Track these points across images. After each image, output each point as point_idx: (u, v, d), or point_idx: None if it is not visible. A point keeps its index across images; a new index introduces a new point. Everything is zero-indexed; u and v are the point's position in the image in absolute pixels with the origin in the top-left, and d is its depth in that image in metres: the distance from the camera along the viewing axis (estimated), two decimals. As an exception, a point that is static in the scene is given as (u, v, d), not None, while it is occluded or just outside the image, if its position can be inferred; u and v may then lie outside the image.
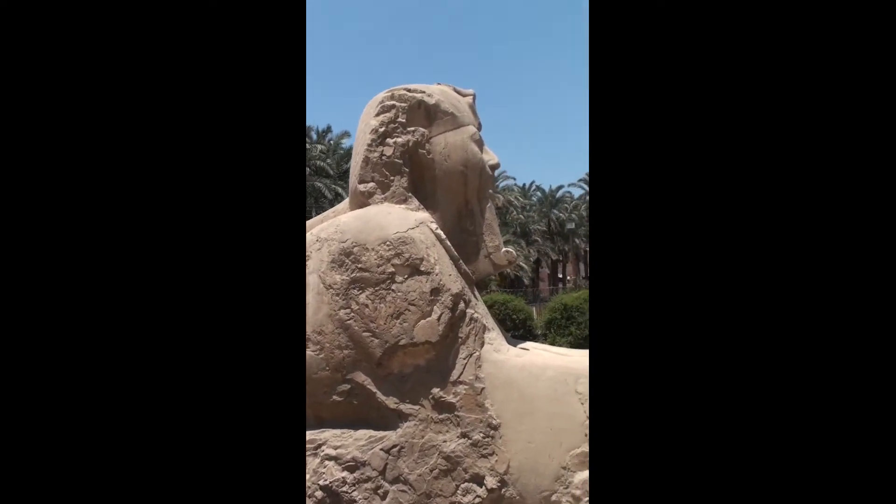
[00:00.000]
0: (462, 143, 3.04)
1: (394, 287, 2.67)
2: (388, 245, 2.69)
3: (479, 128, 3.28)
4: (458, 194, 3.06)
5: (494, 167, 3.17)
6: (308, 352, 2.71)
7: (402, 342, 2.65)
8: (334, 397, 2.73)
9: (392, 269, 2.68)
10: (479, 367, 2.69)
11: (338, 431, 2.71)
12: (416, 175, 3.00)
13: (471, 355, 2.69)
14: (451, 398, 2.65)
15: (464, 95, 3.25)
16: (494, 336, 2.78)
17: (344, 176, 20.67)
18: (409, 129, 2.96)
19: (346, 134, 22.21)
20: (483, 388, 2.66)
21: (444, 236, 2.80)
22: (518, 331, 11.81)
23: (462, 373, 2.67)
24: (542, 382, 2.63)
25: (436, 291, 2.67)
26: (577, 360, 2.74)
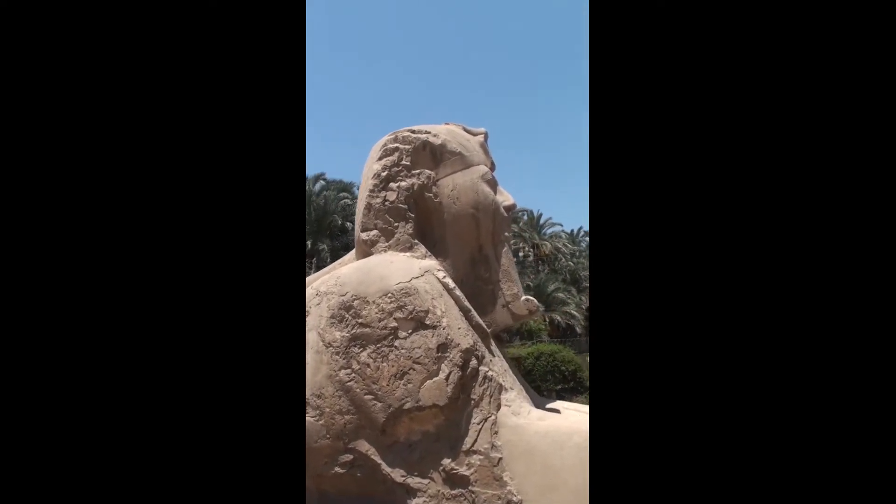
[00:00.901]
0: (472, 184, 2.81)
1: (396, 343, 2.41)
2: (389, 297, 2.45)
3: (493, 167, 3.05)
4: (470, 239, 2.81)
5: (510, 208, 2.92)
6: (307, 417, 2.45)
7: (407, 406, 2.35)
8: (336, 468, 2.45)
9: (395, 324, 2.42)
10: (496, 433, 2.35)
11: (340, 509, 2.41)
12: (423, 220, 2.78)
13: (486, 420, 2.37)
14: (464, 470, 2.31)
15: (474, 134, 3.05)
16: (513, 396, 2.45)
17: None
18: (413, 171, 2.76)
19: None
20: (500, 459, 2.32)
21: (452, 285, 2.54)
22: (568, 383, 11.21)
23: (476, 440, 2.34)
24: (568, 451, 2.27)
25: (443, 347, 2.38)
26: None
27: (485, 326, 2.59)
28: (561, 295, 30.92)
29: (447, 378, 2.35)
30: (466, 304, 2.54)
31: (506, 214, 2.90)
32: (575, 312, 29.22)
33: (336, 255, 20.24)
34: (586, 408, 3.01)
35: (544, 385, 12.17)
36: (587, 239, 38.44)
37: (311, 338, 2.53)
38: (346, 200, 20.71)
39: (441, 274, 2.55)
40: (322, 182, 21.24)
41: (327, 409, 2.43)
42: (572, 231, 38.46)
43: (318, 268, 20.39)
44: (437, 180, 2.79)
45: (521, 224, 35.30)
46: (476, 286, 2.82)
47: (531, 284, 30.04)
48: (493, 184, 2.90)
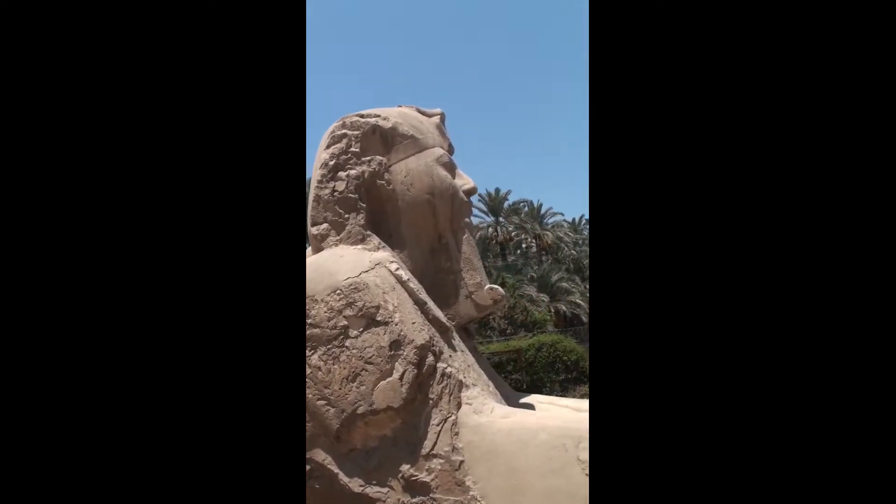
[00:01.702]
0: (426, 168, 2.63)
1: (347, 343, 2.23)
2: (338, 294, 2.27)
3: (452, 150, 2.86)
4: (427, 227, 2.63)
5: (470, 192, 2.73)
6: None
7: (361, 410, 2.18)
8: (291, 481, 2.27)
9: (344, 322, 2.25)
10: (457, 434, 2.17)
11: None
12: (376, 210, 2.60)
13: (445, 420, 2.19)
14: (424, 476, 2.14)
15: (430, 115, 2.86)
16: (475, 393, 2.27)
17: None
18: (364, 158, 2.58)
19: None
20: (462, 462, 2.14)
21: (406, 277, 2.36)
22: (570, 373, 11.02)
23: (436, 443, 2.16)
24: (533, 450, 2.09)
25: (396, 345, 2.20)
26: (583, 418, 2.18)
27: (444, 320, 2.40)
28: (565, 284, 30.73)
29: (401, 378, 2.17)
30: (422, 296, 2.36)
31: (466, 199, 2.72)
32: (580, 301, 29.02)
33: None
34: (565, 401, 2.83)
35: (547, 377, 12.00)
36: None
37: (260, 342, 2.36)
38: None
39: (394, 266, 2.37)
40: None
41: (278, 418, 2.26)
42: (574, 220, 38.24)
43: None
44: (390, 166, 2.61)
45: (522, 215, 35.17)
46: (437, 277, 2.64)
47: (535, 275, 29.89)
48: (450, 167, 2.71)
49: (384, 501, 2.16)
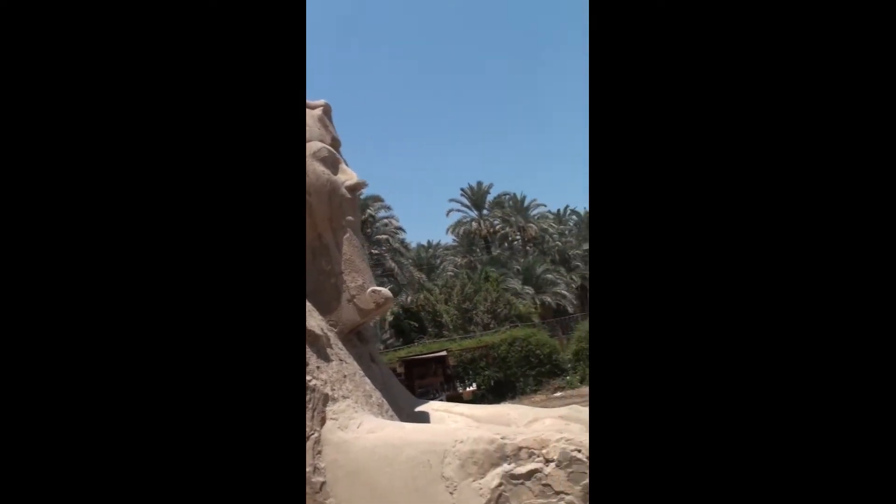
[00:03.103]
0: None
1: (201, 358, 2.05)
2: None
3: (336, 143, 2.68)
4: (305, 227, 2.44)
5: (354, 188, 2.55)
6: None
7: (215, 430, 2.00)
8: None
9: (199, 335, 2.06)
10: (319, 453, 2.00)
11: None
12: (248, 211, 2.41)
13: (307, 438, 2.01)
14: (282, 500, 1.96)
15: (312, 108, 2.67)
16: (343, 407, 2.10)
17: (362, 226, 20.49)
18: (233, 155, 2.39)
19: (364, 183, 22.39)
20: (323, 483, 1.97)
21: (269, 283, 2.17)
22: (543, 366, 10.86)
23: (296, 463, 1.98)
24: (397, 468, 1.92)
25: (251, 358, 2.02)
26: (453, 430, 2.01)
27: (314, 328, 2.22)
28: (550, 276, 30.63)
29: (257, 393, 1.99)
30: (286, 303, 2.17)
31: (349, 195, 2.53)
32: (565, 293, 28.96)
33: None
34: (461, 408, 2.66)
35: (520, 371, 11.89)
36: (574, 217, 38.08)
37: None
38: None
39: (256, 271, 2.18)
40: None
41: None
42: (558, 211, 38.11)
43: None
44: (261, 163, 2.42)
45: (506, 208, 35.03)
46: (318, 281, 2.46)
47: (520, 268, 29.81)
48: (329, 161, 2.53)
49: (243, 528, 1.99)
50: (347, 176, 2.56)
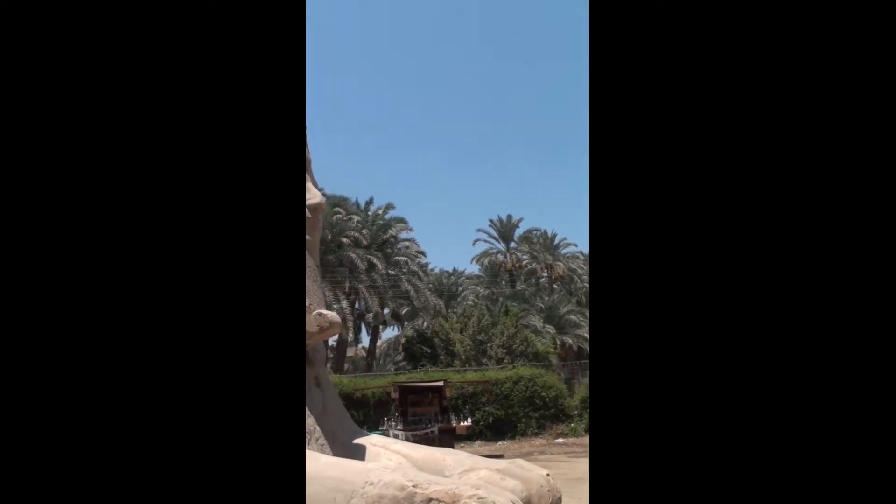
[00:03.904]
0: None
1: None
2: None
3: (306, 161, 2.65)
4: (257, 242, 2.41)
5: (314, 209, 2.51)
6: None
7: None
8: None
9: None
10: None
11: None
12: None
13: (216, 459, 1.93)
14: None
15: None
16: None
17: (382, 246, 20.70)
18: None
19: (391, 206, 22.62)
20: (225, 509, 1.88)
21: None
22: (549, 409, 10.54)
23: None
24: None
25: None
26: (366, 469, 1.91)
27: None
28: (574, 317, 30.13)
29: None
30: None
31: (308, 214, 2.49)
32: (587, 335, 28.36)
33: (324, 269, 20.21)
34: (399, 445, 2.55)
35: (522, 411, 11.52)
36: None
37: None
38: (338, 215, 20.65)
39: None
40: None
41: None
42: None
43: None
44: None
45: (534, 244, 34.78)
46: (265, 298, 2.41)
47: (543, 306, 29.43)
48: (293, 179, 2.50)
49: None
50: (311, 195, 2.53)
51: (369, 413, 13.42)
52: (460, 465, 2.33)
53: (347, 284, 19.57)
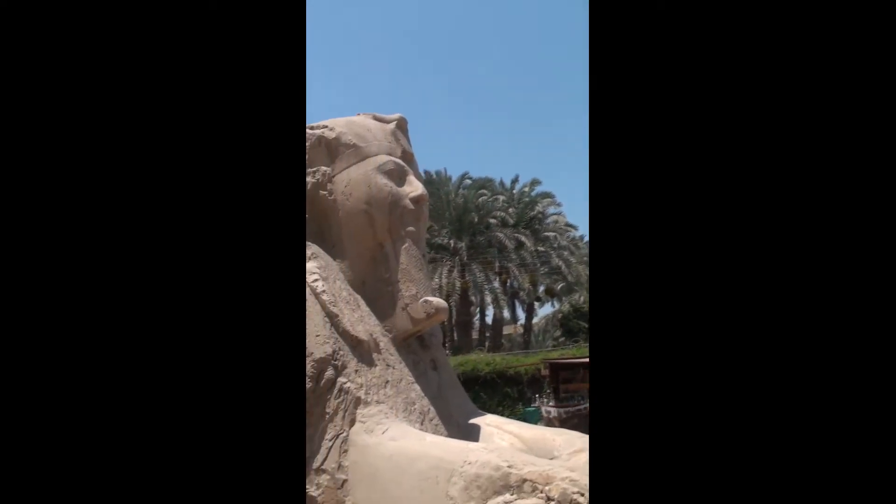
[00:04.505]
0: (364, 176, 2.58)
1: (259, 352, 2.30)
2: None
3: (408, 156, 2.77)
4: (365, 237, 2.59)
5: (417, 200, 2.62)
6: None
7: (265, 418, 2.24)
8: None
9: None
10: (345, 452, 2.13)
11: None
12: (320, 220, 2.63)
13: (337, 437, 2.15)
14: (312, 490, 2.13)
15: (387, 122, 2.80)
16: (373, 412, 2.19)
17: (529, 224, 20.52)
18: (310, 170, 2.62)
19: (537, 181, 22.24)
20: (345, 481, 2.09)
21: (321, 289, 2.35)
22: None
23: (326, 458, 2.14)
24: (409, 478, 1.96)
25: (296, 357, 2.22)
26: (467, 448, 1.99)
27: (358, 333, 2.34)
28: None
29: (297, 390, 2.18)
30: (334, 309, 2.32)
31: (412, 207, 2.61)
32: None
33: (475, 251, 20.56)
34: (513, 426, 2.58)
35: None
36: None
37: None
38: (483, 197, 20.82)
39: (312, 277, 2.38)
40: (468, 181, 21.65)
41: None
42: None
43: (461, 265, 20.92)
44: (333, 176, 2.62)
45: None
46: (376, 288, 2.58)
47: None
48: (395, 174, 2.63)
49: (283, 510, 2.20)
50: (413, 188, 2.64)
51: (523, 390, 13.57)
52: (570, 446, 2.30)
53: (497, 264, 19.81)
